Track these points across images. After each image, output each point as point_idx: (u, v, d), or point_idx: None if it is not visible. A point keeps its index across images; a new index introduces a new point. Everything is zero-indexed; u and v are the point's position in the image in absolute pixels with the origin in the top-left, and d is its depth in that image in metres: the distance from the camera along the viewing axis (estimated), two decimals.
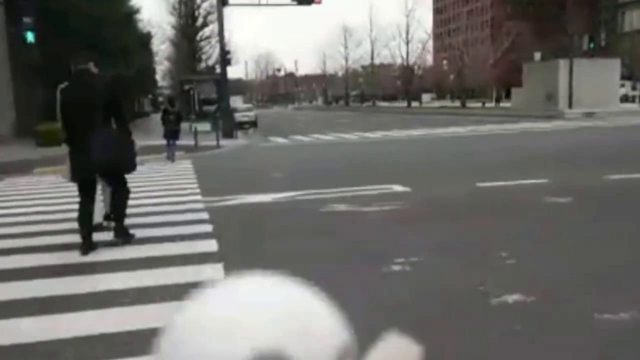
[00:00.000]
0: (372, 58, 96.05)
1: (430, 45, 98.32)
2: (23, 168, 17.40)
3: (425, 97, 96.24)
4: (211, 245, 7.33)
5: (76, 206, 7.43)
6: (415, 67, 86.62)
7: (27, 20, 28.18)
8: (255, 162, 18.97)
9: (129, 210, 7.95)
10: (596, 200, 9.67)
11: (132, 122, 37.98)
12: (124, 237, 7.57)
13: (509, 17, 74.94)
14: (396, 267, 6.06)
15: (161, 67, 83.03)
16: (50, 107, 8.40)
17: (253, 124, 42.56)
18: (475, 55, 69.79)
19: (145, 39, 61.74)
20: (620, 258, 6.28)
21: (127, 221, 7.88)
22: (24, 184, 14.64)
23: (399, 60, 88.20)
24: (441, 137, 26.53)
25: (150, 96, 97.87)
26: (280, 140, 28.66)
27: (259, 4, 37.10)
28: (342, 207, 9.70)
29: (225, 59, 34.96)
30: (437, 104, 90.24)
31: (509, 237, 7.28)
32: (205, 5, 58.70)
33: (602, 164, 14.11)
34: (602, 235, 7.26)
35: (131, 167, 7.69)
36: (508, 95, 76.27)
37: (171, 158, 19.24)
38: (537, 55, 59.53)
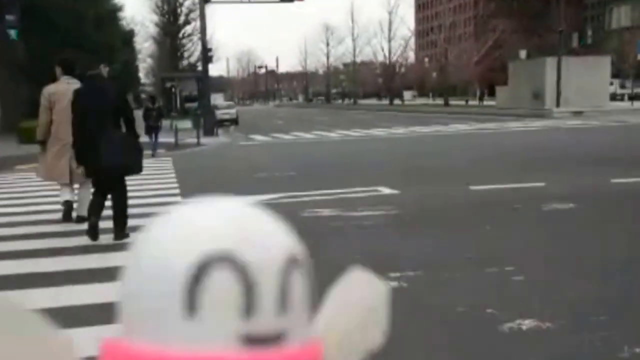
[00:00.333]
0: (354, 56, 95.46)
1: (412, 42, 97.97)
2: (5, 165, 17.12)
3: (407, 94, 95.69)
4: None
5: (50, 207, 7.73)
6: (397, 64, 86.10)
7: (10, 17, 27.51)
8: (236, 162, 18.33)
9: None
10: (600, 206, 9.10)
11: None
12: (125, 238, 7.48)
13: (493, 14, 74.61)
14: (392, 283, 5.46)
15: (144, 65, 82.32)
16: (34, 104, 8.60)
17: (234, 121, 42.05)
18: (458, 52, 69.31)
19: (128, 37, 61.10)
20: None
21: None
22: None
23: (381, 58, 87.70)
24: (426, 135, 26.01)
25: (132, 94, 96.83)
26: (261, 138, 28.02)
27: (242, 1, 36.50)
28: (326, 211, 9.10)
29: (206, 56, 34.34)
30: (419, 101, 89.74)
31: (512, 249, 6.70)
32: (187, 3, 58.40)
33: (599, 165, 13.61)
34: (618, 249, 6.68)
35: (139, 169, 7.78)
36: (491, 94, 76.02)
37: (153, 153, 19.28)
38: (523, 53, 59.14)
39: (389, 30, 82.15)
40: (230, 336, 0.56)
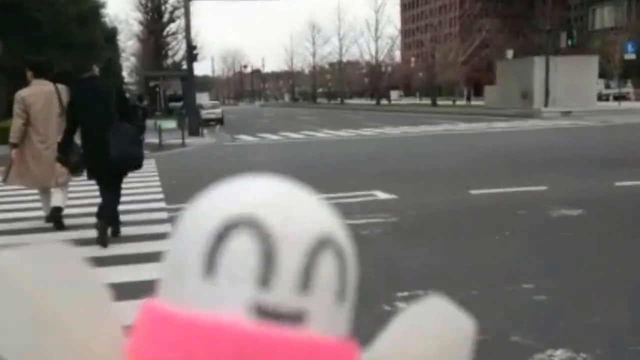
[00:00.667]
0: (340, 55, 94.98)
1: (398, 41, 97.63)
2: None
3: (393, 94, 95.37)
4: None
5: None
6: (384, 64, 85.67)
7: None
8: (222, 163, 17.71)
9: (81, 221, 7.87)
10: (610, 213, 8.58)
11: None
12: (103, 238, 7.50)
13: (479, 14, 74.36)
14: (400, 305, 4.90)
15: (127, 64, 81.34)
16: (11, 104, 8.57)
17: (219, 121, 41.56)
18: (444, 52, 68.94)
19: (111, 35, 60.28)
20: None
21: (76, 235, 7.61)
22: None
23: (367, 57, 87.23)
24: (417, 136, 25.53)
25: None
26: (248, 138, 27.42)
27: None
28: None
29: (191, 54, 33.73)
30: (405, 101, 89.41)
31: (526, 263, 6.18)
32: (172, 0, 57.47)
33: (599, 167, 13.15)
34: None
35: (141, 162, 7.97)
36: (477, 93, 75.98)
37: None
38: (510, 53, 59.03)
39: (376, 29, 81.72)
40: (244, 303, 0.55)
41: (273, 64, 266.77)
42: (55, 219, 8.45)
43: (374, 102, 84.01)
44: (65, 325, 0.57)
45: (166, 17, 59.40)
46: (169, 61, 60.99)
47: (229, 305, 0.54)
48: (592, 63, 45.41)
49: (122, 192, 8.06)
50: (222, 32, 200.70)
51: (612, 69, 61.69)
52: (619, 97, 53.74)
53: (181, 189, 12.03)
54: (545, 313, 4.74)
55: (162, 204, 10.19)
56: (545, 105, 40.49)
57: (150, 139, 21.23)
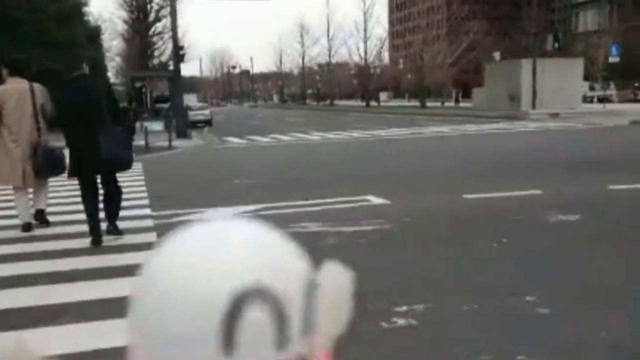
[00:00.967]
0: (329, 56, 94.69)
1: (386, 43, 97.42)
2: None
3: (382, 95, 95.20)
4: None
5: None
6: (372, 66, 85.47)
7: None
8: (210, 167, 17.45)
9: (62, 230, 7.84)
10: (607, 218, 8.39)
11: None
12: (118, 232, 7.91)
13: (467, 17, 74.33)
14: (400, 321, 4.67)
15: (112, 64, 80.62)
16: None
17: (208, 122, 41.26)
18: (433, 54, 68.82)
19: (94, 34, 59.62)
20: None
21: (55, 247, 7.41)
22: None
23: (356, 59, 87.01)
24: (408, 138, 25.32)
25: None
26: (237, 140, 27.13)
27: None
28: (313, 226, 8.30)
29: (178, 54, 33.38)
30: (394, 103, 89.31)
31: (525, 272, 5.96)
32: None
33: (592, 170, 12.96)
34: None
35: (130, 164, 8.12)
36: (465, 95, 75.99)
37: None
38: (497, 55, 59.03)
39: (365, 30, 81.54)
40: None
41: (262, 65, 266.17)
42: (40, 220, 8.61)
43: (363, 103, 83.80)
44: None
45: (152, 16, 58.67)
46: (156, 61, 60.29)
47: None
48: (577, 65, 45.53)
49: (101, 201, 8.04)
50: (210, 32, 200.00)
51: (595, 71, 61.82)
52: (602, 99, 53.94)
53: (168, 194, 11.77)
54: (553, 329, 4.51)
55: (147, 211, 9.90)
56: (533, 107, 40.47)
57: (136, 141, 20.88)
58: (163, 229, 8.32)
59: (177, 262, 0.55)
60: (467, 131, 27.52)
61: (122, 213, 9.61)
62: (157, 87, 41.79)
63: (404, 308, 4.91)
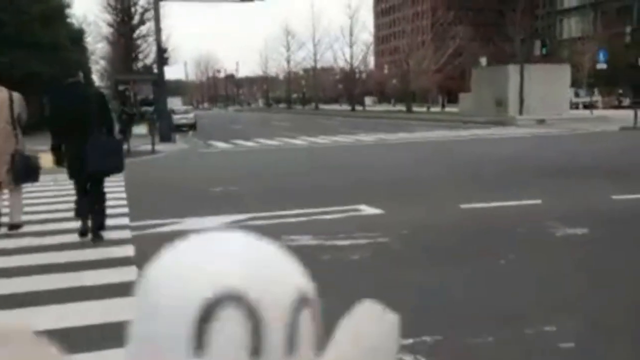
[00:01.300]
0: (314, 60, 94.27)
1: (372, 48, 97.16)
2: None
3: (367, 100, 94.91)
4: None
5: None
6: (357, 70, 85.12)
7: None
8: (194, 172, 16.85)
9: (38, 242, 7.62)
10: (617, 232, 7.87)
11: None
12: (99, 238, 7.98)
13: (453, 22, 74.10)
14: (406, 358, 4.11)
15: (97, 67, 79.79)
16: None
17: (192, 126, 40.69)
18: (419, 60, 68.51)
19: (77, 36, 58.89)
20: None
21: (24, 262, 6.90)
22: None
23: (342, 63, 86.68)
24: (396, 143, 24.87)
25: None
26: (222, 145, 26.54)
27: None
28: (302, 239, 7.74)
29: (162, 57, 32.80)
30: (380, 107, 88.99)
31: (540, 296, 5.42)
32: (142, 2, 56.31)
33: (590, 178, 12.52)
34: None
35: (120, 169, 8.40)
36: (450, 100, 75.80)
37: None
38: (483, 61, 58.80)
39: (351, 35, 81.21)
40: None
41: (247, 69, 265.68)
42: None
43: (348, 107, 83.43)
44: None
45: (136, 18, 58.06)
46: (140, 64, 59.70)
47: None
48: (564, 71, 45.27)
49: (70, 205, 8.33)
50: (195, 36, 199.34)
51: (581, 77, 61.82)
52: (588, 106, 53.84)
53: (149, 202, 11.20)
54: None
55: (126, 220, 9.33)
56: (520, 113, 40.19)
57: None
58: (141, 242, 7.77)
59: (166, 267, 0.58)
60: (456, 137, 27.11)
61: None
62: (142, 90, 41.22)
63: (410, 341, 4.34)
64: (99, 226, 8.13)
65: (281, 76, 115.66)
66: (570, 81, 50.89)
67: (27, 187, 10.12)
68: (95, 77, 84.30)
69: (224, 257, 0.57)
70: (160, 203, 11.11)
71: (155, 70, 38.15)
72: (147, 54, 59.41)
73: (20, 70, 31.79)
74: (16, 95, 8.61)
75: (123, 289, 5.84)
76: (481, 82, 47.33)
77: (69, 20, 52.42)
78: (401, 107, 73.31)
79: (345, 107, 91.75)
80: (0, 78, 8.78)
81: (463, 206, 9.57)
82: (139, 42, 58.72)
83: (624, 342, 4.38)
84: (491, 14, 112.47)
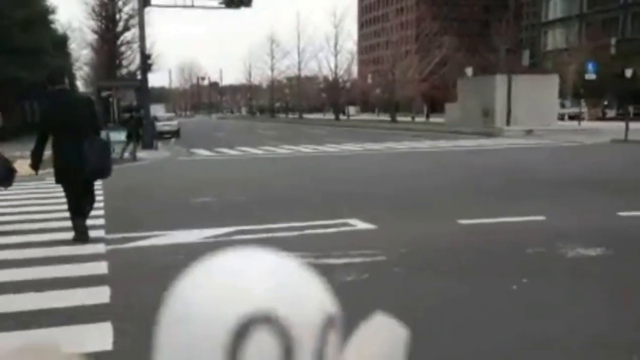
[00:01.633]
0: (299, 69, 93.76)
1: (355, 57, 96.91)
2: None
3: (351, 109, 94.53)
4: (104, 337, 4.68)
5: None
6: (341, 80, 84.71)
7: None
8: (176, 181, 16.19)
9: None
10: (633, 253, 7.27)
11: None
12: (84, 236, 8.15)
13: (438, 32, 73.90)
14: None
15: (80, 73, 78.97)
16: None
17: (175, 133, 40.07)
18: (403, 70, 68.16)
19: (61, 41, 58.16)
20: None
21: None
22: None
23: (326, 72, 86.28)
24: (383, 153, 24.34)
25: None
26: (205, 153, 25.90)
27: (184, 6, 34.44)
28: (293, 256, 7.11)
29: (146, 63, 32.24)
30: (364, 117, 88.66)
31: (567, 331, 4.78)
32: (127, 8, 55.81)
33: (591, 191, 12.00)
34: None
35: (110, 171, 8.66)
36: (433, 110, 75.53)
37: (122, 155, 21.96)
38: (469, 71, 58.45)
39: (335, 44, 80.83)
40: None
41: (231, 77, 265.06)
42: None
43: (332, 116, 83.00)
44: None
45: (121, 25, 57.53)
46: (124, 71, 59.15)
47: None
48: (552, 82, 44.93)
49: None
50: (180, 44, 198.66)
51: (565, 88, 61.81)
52: (574, 117, 53.71)
53: (127, 213, 10.55)
54: None
55: (101, 233, 8.69)
56: (507, 123, 39.81)
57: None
58: (116, 258, 7.15)
59: (197, 284, 0.58)
60: (444, 147, 26.62)
61: (69, 234, 8.48)
62: (126, 97, 40.58)
63: None
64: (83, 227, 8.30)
65: (265, 85, 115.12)
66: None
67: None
68: (79, 84, 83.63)
69: (256, 277, 0.57)
70: (140, 214, 10.47)
71: (139, 77, 37.51)
72: (131, 61, 59.02)
73: (1, 75, 31.08)
74: None
75: (93, 314, 5.22)
76: (468, 92, 46.97)
77: (52, 25, 51.80)
78: (385, 117, 72.95)
79: (329, 116, 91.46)
80: None
81: (462, 222, 8.99)
82: (123, 48, 58.26)
83: None
84: (476, 25, 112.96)
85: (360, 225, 8.95)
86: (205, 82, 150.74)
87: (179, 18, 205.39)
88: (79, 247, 7.83)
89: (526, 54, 44.57)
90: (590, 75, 44.14)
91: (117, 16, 57.36)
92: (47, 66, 40.99)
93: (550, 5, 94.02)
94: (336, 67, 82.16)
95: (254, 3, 33.18)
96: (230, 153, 25.73)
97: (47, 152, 8.41)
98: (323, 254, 7.14)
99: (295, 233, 8.43)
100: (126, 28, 57.76)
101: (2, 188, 9.61)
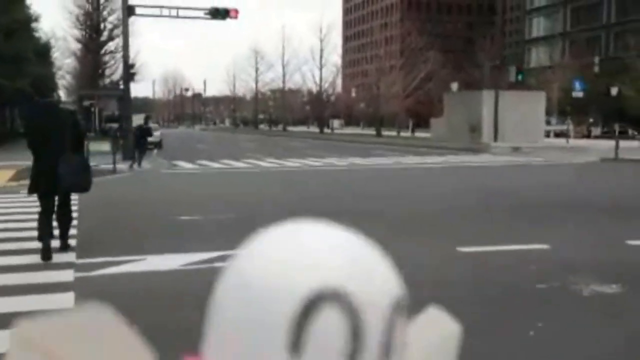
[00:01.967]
0: (283, 82, 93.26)
1: (340, 71, 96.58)
2: None
3: (335, 123, 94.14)
4: None
5: None
6: (325, 93, 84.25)
7: None
8: (156, 196, 15.47)
9: None
10: None
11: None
12: (46, 254, 7.85)
13: (424, 47, 73.70)
14: None
15: (63, 82, 78.03)
16: None
17: (158, 145, 39.22)
18: (388, 85, 67.83)
19: (43, 50, 57.36)
20: None
21: None
22: None
23: (311, 85, 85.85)
24: (369, 169, 23.77)
25: None
26: (188, 165, 25.19)
27: (170, 16, 33.81)
28: None
29: (128, 72, 31.55)
30: (348, 130, 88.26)
31: None
32: (111, 18, 55.19)
33: (594, 216, 11.44)
34: None
35: (89, 186, 8.61)
36: (419, 125, 75.22)
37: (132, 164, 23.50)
38: (454, 86, 58.19)
39: (321, 57, 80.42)
40: None
41: (215, 88, 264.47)
42: None
43: (316, 129, 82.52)
44: None
45: (105, 34, 56.82)
46: (107, 80, 58.38)
47: None
48: (539, 99, 44.61)
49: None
50: (164, 54, 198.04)
51: (550, 106, 61.81)
52: (560, 134, 53.56)
53: (101, 234, 9.84)
54: None
55: (72, 257, 7.98)
56: (495, 139, 39.40)
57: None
58: (84, 288, 6.45)
59: (264, 255, 0.56)
60: (432, 163, 26.08)
61: (34, 258, 7.80)
62: (108, 106, 39.84)
63: None
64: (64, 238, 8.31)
65: (248, 96, 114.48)
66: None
67: None
68: (61, 93, 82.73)
69: (328, 252, 0.55)
70: (117, 234, 9.78)
71: (122, 86, 36.81)
72: (114, 70, 58.38)
73: None
74: None
75: None
76: (454, 107, 46.55)
77: (35, 34, 51.08)
78: (370, 131, 72.53)
79: (313, 129, 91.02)
80: None
81: (461, 249, 8.36)
82: (106, 58, 57.60)
83: None
84: (460, 42, 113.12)
85: None
86: (189, 93, 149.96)
87: (164, 29, 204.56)
88: (47, 273, 7.14)
89: (512, 71, 44.16)
90: (578, 93, 43.97)
91: (102, 25, 56.77)
92: (28, 74, 40.25)
93: (533, 23, 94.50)
94: (321, 80, 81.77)
95: (239, 14, 32.67)
96: (213, 166, 25.06)
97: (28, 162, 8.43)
98: None
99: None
100: (110, 38, 57.17)
101: None
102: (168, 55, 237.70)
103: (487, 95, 41.81)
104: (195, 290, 6.50)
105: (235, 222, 10.74)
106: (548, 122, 62.00)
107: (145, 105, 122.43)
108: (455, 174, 21.43)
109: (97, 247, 8.63)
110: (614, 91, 54.58)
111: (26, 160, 9.22)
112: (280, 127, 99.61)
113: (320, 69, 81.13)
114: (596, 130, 62.24)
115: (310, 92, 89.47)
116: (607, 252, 8.29)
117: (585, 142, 46.43)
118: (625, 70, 57.40)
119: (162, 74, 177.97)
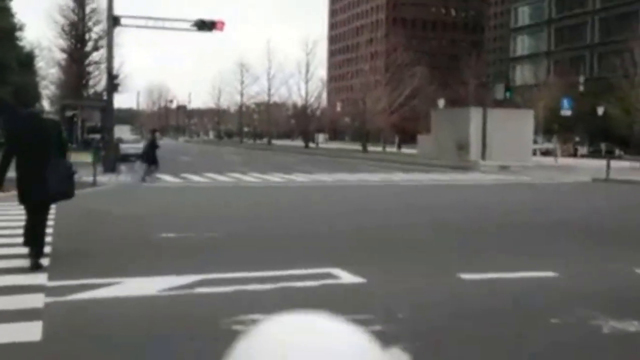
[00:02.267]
0: (268, 95, 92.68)
1: (325, 85, 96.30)
2: None
3: (320, 137, 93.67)
4: None
5: None
6: (310, 107, 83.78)
7: None
8: (136, 211, 14.82)
9: None
10: None
11: None
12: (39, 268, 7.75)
13: (411, 63, 73.53)
14: None
15: (46, 92, 77.08)
16: None
17: (141, 157, 38.54)
18: (374, 100, 67.47)
19: (27, 59, 56.68)
20: None
21: None
22: None
23: (297, 99, 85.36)
24: (357, 185, 23.25)
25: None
26: (170, 179, 24.49)
27: (155, 27, 33.26)
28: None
29: (112, 82, 30.90)
30: (333, 145, 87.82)
31: None
32: (97, 29, 54.69)
33: (596, 240, 10.94)
34: None
35: (72, 194, 8.62)
36: (404, 141, 74.90)
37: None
38: (441, 103, 57.95)
39: (307, 71, 80.00)
40: None
41: (199, 101, 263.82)
42: None
43: (301, 143, 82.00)
44: None
45: (90, 45, 56.23)
46: (91, 91, 57.70)
47: None
48: (527, 117, 44.32)
49: None
50: (149, 65, 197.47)
51: (536, 124, 61.77)
52: (546, 153, 53.38)
53: (76, 252, 9.21)
54: None
55: (43, 279, 7.35)
56: (483, 157, 38.96)
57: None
58: (55, 316, 5.84)
59: (271, 349, 0.57)
60: (421, 181, 25.59)
61: (11, 281, 7.17)
62: (91, 117, 39.19)
63: None
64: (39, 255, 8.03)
65: (233, 109, 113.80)
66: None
67: None
68: (44, 103, 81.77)
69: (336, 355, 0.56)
70: (93, 253, 9.15)
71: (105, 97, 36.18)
72: (98, 81, 57.72)
73: None
74: None
75: None
76: (441, 124, 46.08)
77: (19, 43, 50.47)
78: (356, 146, 72.08)
79: (298, 142, 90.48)
80: None
81: (464, 276, 7.79)
82: (90, 68, 56.92)
83: None
84: (444, 59, 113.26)
85: (346, 277, 7.69)
86: (174, 105, 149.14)
87: (149, 40, 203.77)
88: (14, 298, 6.52)
89: (499, 88, 43.88)
90: (566, 112, 43.77)
91: (87, 36, 56.31)
92: (10, 83, 39.56)
93: (517, 41, 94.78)
94: (307, 94, 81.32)
95: (225, 27, 32.18)
96: (196, 180, 24.46)
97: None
98: None
99: (269, 286, 7.17)
100: (95, 48, 56.68)
101: None
102: (153, 66, 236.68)
103: (475, 113, 41.40)
104: (165, 319, 5.94)
105: (216, 243, 10.15)
106: (534, 141, 61.87)
107: (130, 116, 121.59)
108: (446, 192, 20.97)
109: (71, 267, 8.03)
110: (600, 111, 54.56)
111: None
112: (264, 140, 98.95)
113: (306, 82, 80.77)
114: (582, 149, 62.18)
115: (295, 106, 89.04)
116: (618, 283, 7.71)
117: (573, 161, 46.21)
118: (610, 89, 57.43)
119: (147, 85, 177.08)
